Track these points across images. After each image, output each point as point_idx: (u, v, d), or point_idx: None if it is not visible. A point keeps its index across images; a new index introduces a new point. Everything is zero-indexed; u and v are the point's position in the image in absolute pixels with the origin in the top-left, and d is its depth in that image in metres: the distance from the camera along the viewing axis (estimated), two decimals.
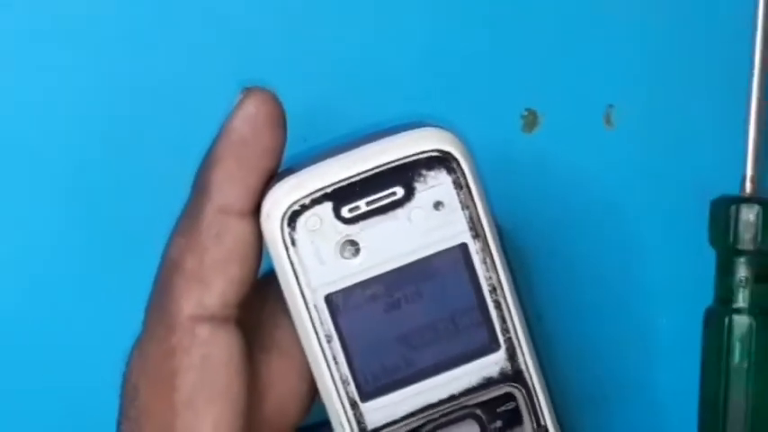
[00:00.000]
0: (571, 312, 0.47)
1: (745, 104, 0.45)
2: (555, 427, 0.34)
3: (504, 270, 0.32)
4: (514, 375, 0.33)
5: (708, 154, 0.47)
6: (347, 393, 0.33)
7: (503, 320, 0.33)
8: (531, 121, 0.46)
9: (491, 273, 0.32)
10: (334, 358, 0.32)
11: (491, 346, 0.33)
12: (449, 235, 0.32)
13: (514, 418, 0.33)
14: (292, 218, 0.31)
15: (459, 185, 0.31)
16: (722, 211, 0.44)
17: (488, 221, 0.32)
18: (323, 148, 0.33)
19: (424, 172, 0.31)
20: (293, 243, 0.31)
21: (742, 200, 0.44)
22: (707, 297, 0.45)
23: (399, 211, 0.31)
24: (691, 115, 0.47)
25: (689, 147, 0.47)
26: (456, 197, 0.31)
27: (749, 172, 0.45)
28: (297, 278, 0.32)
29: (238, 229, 0.32)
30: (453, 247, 0.32)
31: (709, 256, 0.45)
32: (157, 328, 0.33)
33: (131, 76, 0.47)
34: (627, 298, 0.47)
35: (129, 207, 0.45)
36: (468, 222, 0.32)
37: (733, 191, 0.45)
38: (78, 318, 0.45)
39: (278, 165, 0.33)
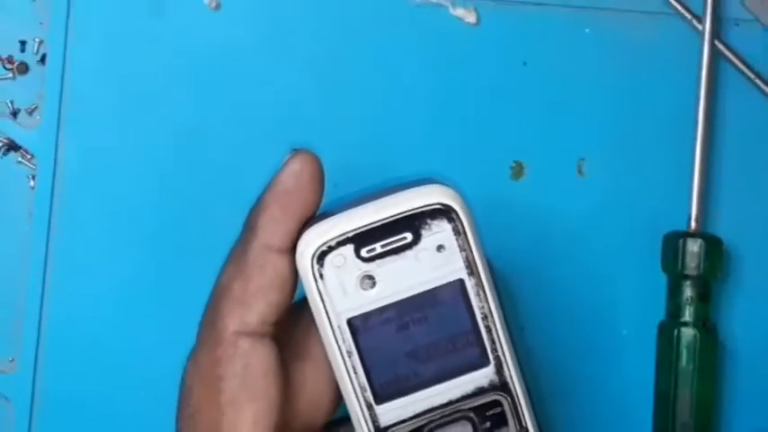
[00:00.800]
0: (550, 326, 0.51)
1: (690, 159, 0.50)
2: (534, 428, 0.38)
3: (494, 301, 0.36)
4: (501, 386, 0.37)
5: (661, 198, 0.51)
6: (364, 398, 0.37)
7: (492, 341, 0.37)
8: (518, 171, 0.51)
9: (483, 303, 0.36)
10: (354, 369, 0.36)
11: (482, 362, 0.37)
12: (449, 272, 0.36)
13: (501, 420, 0.37)
14: (321, 257, 0.35)
15: (458, 232, 0.36)
16: (672, 244, 0.50)
17: (482, 261, 0.36)
18: (349, 198, 0.37)
19: (429, 221, 0.35)
20: (321, 277, 0.35)
21: (688, 235, 0.49)
22: (660, 313, 0.50)
23: (408, 252, 0.36)
24: (647, 167, 0.51)
25: (645, 192, 0.51)
26: (455, 242, 0.36)
27: (694, 213, 0.50)
28: (324, 305, 0.36)
29: (278, 263, 0.37)
30: (453, 282, 0.36)
31: (661, 280, 0.50)
32: (208, 341, 0.38)
33: (207, 137, 0.51)
34: (596, 313, 0.52)
35: (194, 239, 0.50)
36: (465, 262, 0.36)
37: (681, 228, 0.50)
38: (149, 330, 0.49)
39: (314, 213, 0.37)
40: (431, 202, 0.35)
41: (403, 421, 0.37)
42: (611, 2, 0.51)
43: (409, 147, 0.51)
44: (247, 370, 0.37)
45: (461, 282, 0.36)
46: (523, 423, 0.38)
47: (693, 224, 0.50)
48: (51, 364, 0.50)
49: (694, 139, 0.50)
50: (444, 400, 0.37)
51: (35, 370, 0.50)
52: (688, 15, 0.51)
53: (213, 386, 0.37)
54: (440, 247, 0.36)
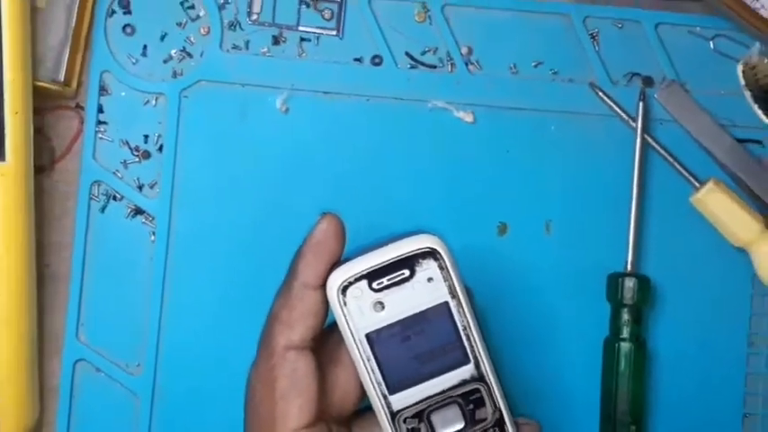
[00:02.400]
0: (522, 342, 0.59)
1: (627, 221, 0.58)
2: (506, 408, 0.43)
3: (470, 316, 0.42)
4: (479, 378, 0.43)
5: (605, 248, 0.59)
6: (381, 390, 0.42)
7: (471, 346, 0.43)
8: (502, 229, 0.59)
9: (463, 318, 0.42)
10: (372, 370, 0.42)
11: (464, 361, 0.43)
12: (437, 297, 0.42)
13: (480, 402, 0.43)
14: (344, 290, 0.41)
15: (441, 267, 0.42)
16: (613, 282, 0.57)
17: (460, 288, 0.42)
18: (364, 247, 0.43)
19: (420, 260, 0.41)
20: (345, 304, 0.41)
21: (625, 275, 0.57)
22: (604, 332, 0.58)
23: (407, 284, 0.41)
24: (595, 227, 0.59)
25: (594, 245, 0.59)
26: (440, 274, 0.42)
27: (629, 258, 0.57)
28: (348, 324, 0.42)
29: (313, 297, 0.43)
30: (440, 304, 0.42)
31: (605, 308, 0.58)
32: (264, 354, 0.44)
33: (280, 206, 0.58)
34: (557, 332, 0.59)
35: (273, 273, 0.50)
36: (448, 289, 0.42)
37: (620, 269, 0.58)
38: (242, 340, 0.54)
39: (339, 259, 0.43)
40: (421, 247, 0.41)
41: (409, 406, 0.43)
42: (570, 107, 0.59)
43: (422, 210, 0.59)
44: (294, 373, 0.42)
45: (446, 303, 0.42)
46: (497, 404, 0.43)
47: (629, 267, 0.57)
48: (167, 368, 0.57)
49: (630, 206, 0.58)
50: (439, 390, 0.43)
51: (155, 373, 0.57)
52: (625, 117, 0.58)
53: (269, 386, 0.43)
54: (429, 279, 0.42)
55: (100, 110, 0.57)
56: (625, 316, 0.57)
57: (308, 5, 0.58)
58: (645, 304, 0.57)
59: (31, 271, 0.54)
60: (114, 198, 0.57)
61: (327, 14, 0.58)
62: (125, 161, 0.57)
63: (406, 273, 0.41)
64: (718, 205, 0.57)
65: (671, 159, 0.58)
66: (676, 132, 0.59)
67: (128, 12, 0.57)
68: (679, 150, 0.59)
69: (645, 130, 0.58)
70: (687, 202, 0.58)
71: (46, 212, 0.58)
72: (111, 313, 0.57)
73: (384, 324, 0.42)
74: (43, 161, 0.57)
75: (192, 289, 0.57)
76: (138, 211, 0.58)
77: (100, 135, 0.57)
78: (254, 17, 0.58)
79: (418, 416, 0.43)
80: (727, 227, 0.57)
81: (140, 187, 0.58)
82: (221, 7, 0.57)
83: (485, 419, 0.43)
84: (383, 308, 0.42)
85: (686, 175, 0.58)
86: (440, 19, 0.58)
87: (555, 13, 0.59)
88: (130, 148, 0.58)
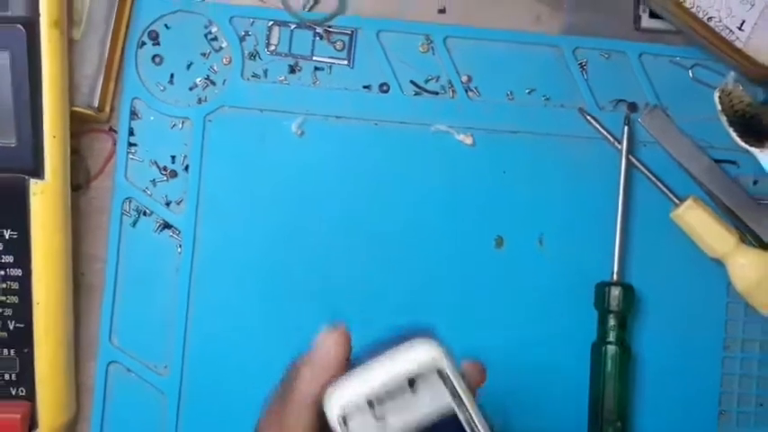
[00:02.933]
0: (518, 344, 0.59)
1: (613, 235, 0.59)
2: None
3: (477, 416, 0.38)
4: None
5: (593, 260, 0.59)
6: None
7: None
8: (499, 242, 0.60)
9: (471, 424, 0.38)
10: None
11: None
12: (441, 406, 0.38)
13: None
14: (344, 420, 0.37)
15: (444, 378, 0.38)
16: (600, 290, 0.58)
17: (462, 390, 0.38)
18: (364, 350, 0.39)
19: (423, 374, 0.38)
20: (347, 428, 0.37)
21: (611, 284, 0.58)
22: (592, 336, 0.59)
23: (409, 396, 0.38)
24: (584, 240, 0.60)
25: (583, 257, 0.60)
26: (443, 385, 0.38)
27: (615, 269, 0.58)
28: None
29: (311, 413, 0.39)
30: (444, 413, 0.38)
31: (593, 315, 0.59)
32: (277, 402, 0.40)
33: (295, 223, 0.59)
34: (549, 336, 0.59)
35: (293, 284, 0.58)
36: (451, 395, 0.38)
37: (606, 279, 0.59)
38: (262, 343, 0.57)
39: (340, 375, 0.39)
40: (423, 364, 0.38)
41: None
42: (561, 130, 0.60)
43: (425, 224, 0.60)
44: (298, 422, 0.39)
45: (451, 409, 0.38)
46: None
47: (615, 277, 0.58)
48: (192, 369, 0.58)
49: (615, 220, 0.59)
50: None
51: (181, 373, 0.58)
52: (611, 139, 0.59)
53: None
54: (434, 393, 0.38)
55: (131, 133, 0.59)
56: (611, 322, 0.58)
57: (321, 37, 0.59)
58: (629, 311, 0.58)
59: (68, 280, 0.56)
60: (144, 213, 0.59)
61: (339, 45, 0.59)
62: (154, 180, 0.59)
63: (408, 390, 0.38)
64: (697, 220, 0.58)
65: (653, 178, 0.59)
66: (658, 153, 0.60)
67: (156, 43, 0.59)
68: (661, 170, 0.60)
69: (629, 151, 0.59)
70: (668, 217, 0.59)
71: (81, 226, 0.59)
72: (141, 319, 0.59)
73: None
74: (79, 180, 0.59)
75: (215, 296, 0.59)
76: (166, 226, 0.59)
77: (131, 156, 0.59)
78: (272, 48, 0.59)
79: None
80: (705, 240, 0.58)
81: (168, 204, 0.59)
82: (242, 39, 0.59)
83: None
84: (385, 423, 0.38)
85: (667, 192, 0.59)
86: (442, 50, 0.60)
87: (547, 45, 0.60)
88: (159, 168, 0.59)
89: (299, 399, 0.39)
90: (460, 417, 0.38)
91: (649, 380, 0.60)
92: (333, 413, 0.38)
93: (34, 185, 0.53)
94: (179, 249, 0.59)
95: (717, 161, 0.60)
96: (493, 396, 0.51)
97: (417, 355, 0.38)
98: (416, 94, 0.60)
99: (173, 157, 0.59)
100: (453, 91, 0.60)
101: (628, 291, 0.58)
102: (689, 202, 0.58)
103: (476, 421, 0.38)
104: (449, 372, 0.38)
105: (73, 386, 0.57)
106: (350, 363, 0.40)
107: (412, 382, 0.38)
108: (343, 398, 0.38)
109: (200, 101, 0.59)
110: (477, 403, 0.38)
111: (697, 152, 0.60)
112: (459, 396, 0.38)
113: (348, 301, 0.59)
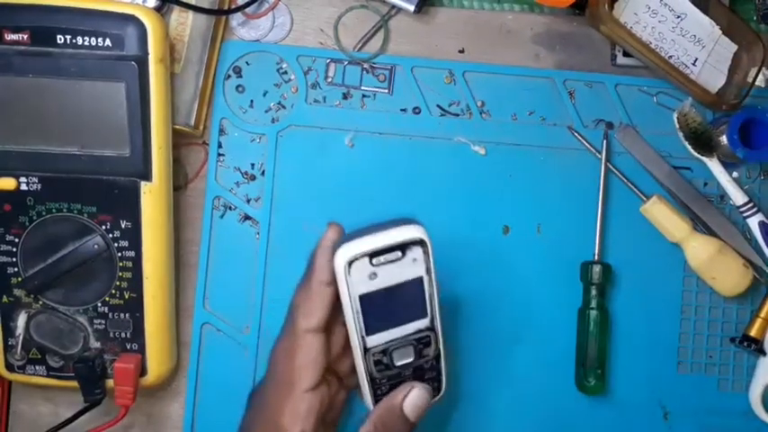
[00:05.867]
0: (517, 311, 0.59)
1: (594, 224, 0.58)
2: (443, 348, 0.43)
3: (435, 287, 0.42)
4: (431, 328, 0.43)
5: (579, 244, 0.59)
6: (360, 332, 0.42)
7: (430, 307, 0.42)
8: (506, 230, 0.59)
9: (431, 288, 0.42)
10: (358, 320, 0.41)
11: (423, 316, 0.43)
12: (417, 272, 0.41)
13: (428, 344, 0.43)
14: (350, 263, 0.40)
15: (425, 253, 0.41)
16: (585, 267, 0.58)
17: (433, 268, 0.41)
18: (367, 226, 0.41)
19: (411, 246, 0.40)
20: (349, 274, 0.40)
21: (593, 263, 0.58)
22: (578, 303, 0.59)
23: (398, 262, 0.40)
24: (573, 228, 0.59)
25: (572, 241, 0.59)
26: (423, 258, 0.41)
27: (596, 250, 0.58)
28: (348, 288, 0.41)
29: (328, 291, 0.42)
30: (417, 278, 0.41)
31: (579, 287, 0.59)
32: (288, 333, 0.44)
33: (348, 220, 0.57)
34: (543, 304, 0.59)
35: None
36: (425, 269, 0.41)
37: (589, 258, 0.58)
38: None
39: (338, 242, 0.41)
40: (415, 237, 0.41)
41: (379, 345, 0.42)
42: (554, 144, 0.59)
43: (447, 215, 0.59)
44: (309, 350, 0.42)
45: (421, 278, 0.42)
46: (438, 346, 0.43)
47: (596, 257, 0.59)
48: (267, 329, 0.58)
49: (596, 213, 0.59)
50: (401, 335, 0.43)
51: (259, 332, 0.58)
52: (593, 150, 0.59)
53: (290, 357, 0.42)
54: (414, 260, 0.41)
55: (219, 145, 0.59)
56: (593, 292, 0.58)
57: (367, 72, 0.60)
58: (607, 283, 0.59)
59: (170, 260, 0.56)
60: (230, 208, 0.59)
61: (381, 78, 0.60)
62: (237, 182, 0.59)
63: (399, 254, 0.41)
64: (660, 213, 0.58)
65: (626, 180, 0.60)
66: (630, 161, 0.60)
67: (240, 76, 0.60)
68: (632, 174, 0.60)
69: (607, 159, 0.59)
70: (638, 210, 0.59)
71: (181, 218, 0.60)
72: (228, 290, 0.59)
73: (374, 289, 0.41)
74: (179, 182, 0.59)
75: (285, 272, 0.59)
76: (247, 218, 0.59)
77: (219, 163, 0.59)
78: (329, 80, 0.60)
79: (383, 352, 0.43)
80: (666, 228, 0.59)
81: (248, 201, 0.59)
82: (306, 73, 0.60)
83: (428, 356, 0.44)
84: (376, 277, 0.41)
85: (637, 191, 0.60)
86: (461, 81, 0.60)
87: (543, 77, 0.61)
88: (241, 173, 0.59)
89: (318, 278, 0.41)
90: (425, 282, 0.41)
91: (623, 337, 0.60)
92: (340, 262, 0.40)
93: (144, 186, 0.54)
94: (257, 236, 0.59)
95: (675, 167, 0.60)
96: (500, 347, 0.57)
97: (411, 231, 0.40)
98: (442, 115, 0.60)
99: (252, 165, 0.59)
100: (470, 113, 0.60)
101: (606, 268, 0.58)
102: (654, 199, 0.58)
103: (434, 286, 0.41)
104: (429, 249, 0.40)
105: (174, 342, 0.58)
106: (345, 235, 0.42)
107: (403, 254, 0.40)
108: (350, 251, 0.40)
109: (273, 121, 0.59)
110: (436, 276, 0.41)
111: (660, 160, 0.60)
112: (429, 269, 0.40)
113: None
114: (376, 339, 0.42)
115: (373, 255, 0.40)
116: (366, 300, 0.41)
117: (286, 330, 0.44)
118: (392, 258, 0.40)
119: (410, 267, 0.41)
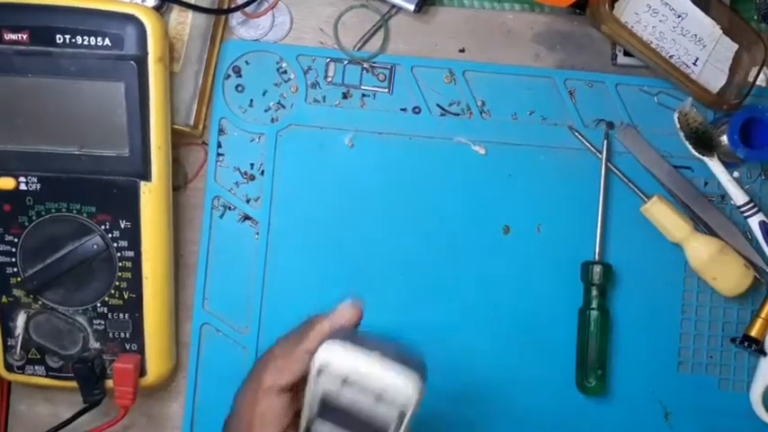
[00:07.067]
0: (521, 313, 0.58)
1: (595, 224, 0.58)
2: None
3: None
4: None
5: (580, 244, 0.59)
6: (308, 422, 0.39)
7: None
8: (506, 230, 0.59)
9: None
10: (311, 411, 0.38)
11: None
12: (385, 422, 0.37)
13: None
14: (320, 371, 0.37)
15: (401, 415, 0.36)
16: (586, 268, 0.58)
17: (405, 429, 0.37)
18: (371, 335, 0.40)
19: (392, 394, 0.36)
20: (318, 377, 0.37)
21: (594, 263, 0.58)
22: (579, 303, 0.59)
23: (370, 401, 0.36)
24: (573, 228, 0.59)
25: (572, 241, 0.59)
26: (396, 418, 0.36)
27: (597, 251, 0.58)
28: (313, 383, 0.38)
29: (307, 360, 0.39)
30: (383, 426, 0.37)
31: (580, 287, 0.59)
32: (253, 383, 0.42)
33: (346, 219, 0.57)
34: (546, 304, 0.59)
35: (336, 263, 0.57)
36: (395, 427, 0.37)
37: (590, 258, 0.58)
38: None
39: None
40: (400, 390, 0.37)
41: None
42: (555, 143, 0.59)
43: (448, 215, 0.59)
44: (271, 409, 0.40)
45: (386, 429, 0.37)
46: None
47: (597, 257, 0.59)
48: (267, 329, 0.58)
49: (597, 213, 0.59)
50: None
51: (258, 332, 0.58)
52: (594, 150, 0.59)
53: (251, 411, 0.41)
54: (387, 412, 0.37)
55: (219, 145, 0.59)
56: (594, 292, 0.58)
57: (367, 71, 0.60)
58: (608, 284, 0.59)
59: (170, 260, 0.56)
60: (229, 208, 0.59)
61: (381, 77, 0.61)
62: (237, 182, 0.60)
63: (372, 399, 0.37)
64: (660, 213, 0.58)
65: (626, 180, 0.60)
66: (630, 161, 0.60)
67: (239, 76, 0.60)
68: (632, 174, 0.60)
69: (608, 159, 0.60)
70: (638, 211, 0.59)
71: (180, 218, 0.59)
72: (227, 290, 0.59)
73: (336, 402, 0.38)
74: (179, 182, 0.59)
75: (284, 272, 0.59)
76: (246, 218, 0.59)
77: (219, 163, 0.59)
78: (329, 79, 0.60)
79: None
80: (667, 228, 0.58)
81: (248, 201, 0.59)
82: (306, 72, 0.60)
83: None
84: (341, 395, 0.37)
85: (637, 191, 0.60)
86: (462, 81, 0.60)
87: (544, 77, 0.61)
88: (241, 173, 0.59)
89: (306, 347, 0.40)
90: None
91: (623, 337, 0.60)
92: (317, 361, 0.37)
93: (143, 186, 0.54)
94: (256, 236, 0.59)
95: (676, 167, 0.60)
96: (500, 348, 0.57)
97: (401, 385, 0.37)
98: (442, 114, 0.60)
99: (251, 165, 0.59)
100: (470, 112, 0.60)
101: (607, 268, 0.59)
102: (654, 199, 0.58)
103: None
104: (407, 418, 0.37)
105: (173, 342, 0.58)
106: (356, 333, 0.40)
107: (379, 400, 0.37)
108: (331, 358, 0.37)
109: (273, 120, 0.59)
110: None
111: (660, 160, 0.60)
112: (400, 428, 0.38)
113: (386, 272, 0.58)
114: (322, 428, 0.39)
115: (350, 375, 0.37)
116: (326, 403, 0.38)
117: (253, 380, 0.42)
118: (366, 395, 0.37)
119: (381, 412, 0.37)
